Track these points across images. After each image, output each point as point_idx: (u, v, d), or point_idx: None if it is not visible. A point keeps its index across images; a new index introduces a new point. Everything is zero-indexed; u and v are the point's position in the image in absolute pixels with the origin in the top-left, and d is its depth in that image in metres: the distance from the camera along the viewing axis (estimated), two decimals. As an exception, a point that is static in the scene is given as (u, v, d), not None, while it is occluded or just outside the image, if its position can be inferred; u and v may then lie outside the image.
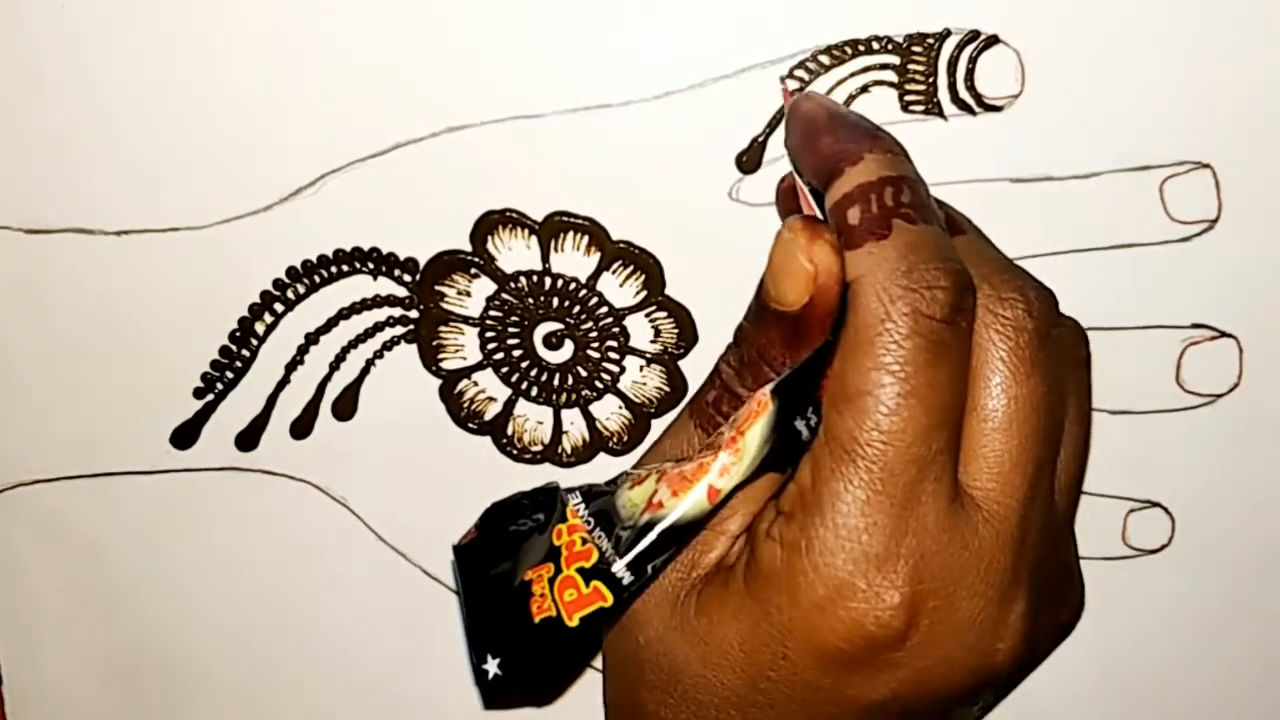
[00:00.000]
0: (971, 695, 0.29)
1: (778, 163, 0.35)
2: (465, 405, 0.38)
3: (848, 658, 0.28)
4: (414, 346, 0.38)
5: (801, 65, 0.34)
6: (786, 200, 0.33)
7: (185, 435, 0.39)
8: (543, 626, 0.28)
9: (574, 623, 0.27)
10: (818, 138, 0.30)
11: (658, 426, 0.38)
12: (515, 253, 0.36)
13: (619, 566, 0.28)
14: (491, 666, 0.28)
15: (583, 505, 0.29)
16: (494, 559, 0.30)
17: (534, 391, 0.38)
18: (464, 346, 0.38)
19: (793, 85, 0.34)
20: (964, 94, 0.34)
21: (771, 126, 0.35)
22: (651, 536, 0.28)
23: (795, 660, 0.28)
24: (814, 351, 0.28)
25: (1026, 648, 0.29)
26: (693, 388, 0.37)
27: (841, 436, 0.27)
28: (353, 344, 0.38)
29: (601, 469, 0.38)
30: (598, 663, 0.38)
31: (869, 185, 0.28)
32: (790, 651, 0.28)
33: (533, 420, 0.38)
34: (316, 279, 0.37)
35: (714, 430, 0.30)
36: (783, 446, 0.28)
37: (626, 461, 0.38)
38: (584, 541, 0.28)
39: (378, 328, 0.38)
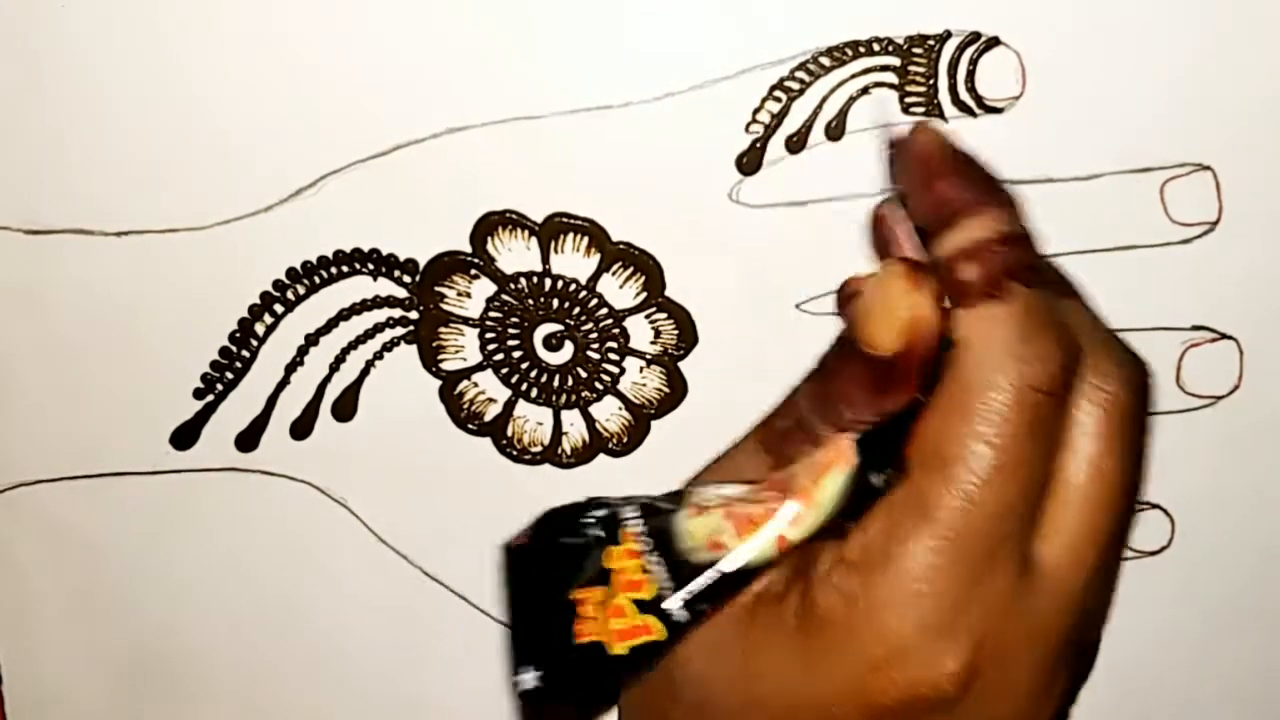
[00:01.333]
0: None
1: (778, 163, 0.35)
2: (465, 406, 0.38)
3: (897, 716, 0.27)
4: (414, 347, 0.38)
5: (802, 66, 0.34)
6: (878, 226, 0.32)
7: (185, 435, 0.39)
8: (585, 650, 0.27)
9: (621, 650, 0.27)
10: (934, 180, 0.28)
11: (657, 428, 0.38)
12: (515, 254, 0.36)
13: (674, 604, 0.27)
14: (529, 678, 0.28)
15: (641, 523, 0.28)
16: (543, 569, 0.29)
17: (534, 392, 0.38)
18: (464, 347, 0.38)
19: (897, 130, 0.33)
20: (965, 95, 0.34)
21: (771, 129, 0.35)
22: (711, 577, 0.27)
23: (839, 715, 0.27)
24: (904, 409, 0.27)
25: (1063, 707, 0.29)
26: (693, 388, 0.37)
27: (926, 499, 0.26)
28: (353, 345, 0.38)
29: (601, 470, 0.38)
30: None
31: (986, 243, 0.27)
32: (836, 705, 0.27)
33: (532, 421, 0.38)
34: (316, 280, 0.37)
35: (782, 461, 0.29)
36: (856, 498, 0.27)
37: (626, 462, 0.38)
38: (641, 570, 0.27)
39: (378, 329, 0.38)
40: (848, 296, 0.32)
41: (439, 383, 0.38)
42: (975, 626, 0.27)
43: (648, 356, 0.37)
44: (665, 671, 0.29)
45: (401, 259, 0.37)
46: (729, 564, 0.27)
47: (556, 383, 0.38)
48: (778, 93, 0.34)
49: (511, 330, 0.37)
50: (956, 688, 0.27)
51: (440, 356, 0.38)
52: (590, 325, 0.37)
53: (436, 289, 0.37)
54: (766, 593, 0.29)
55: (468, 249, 0.36)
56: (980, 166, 0.29)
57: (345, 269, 0.37)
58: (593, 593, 0.28)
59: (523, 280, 0.37)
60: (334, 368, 0.38)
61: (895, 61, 0.34)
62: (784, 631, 0.28)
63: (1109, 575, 0.29)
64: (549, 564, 0.29)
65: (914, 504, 0.27)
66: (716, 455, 0.31)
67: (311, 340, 0.38)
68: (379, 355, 0.38)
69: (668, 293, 0.37)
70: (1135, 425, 0.28)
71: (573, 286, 0.37)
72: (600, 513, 0.29)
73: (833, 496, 0.27)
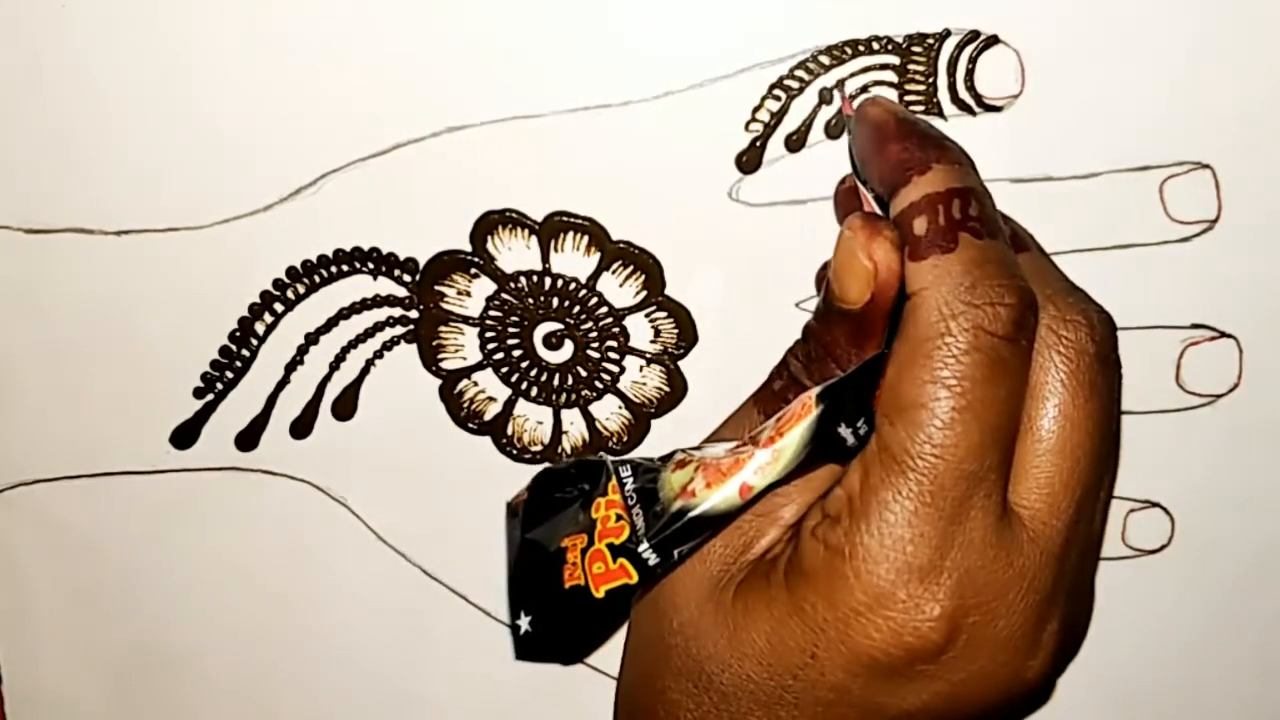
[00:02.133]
0: (999, 711, 0.29)
1: (778, 163, 0.35)
2: (465, 405, 0.38)
3: (881, 666, 0.28)
4: (414, 346, 0.38)
5: (801, 65, 0.34)
6: (846, 202, 0.33)
7: (185, 435, 0.39)
8: (571, 594, 0.29)
9: (599, 594, 0.28)
10: (885, 144, 0.30)
11: (658, 427, 0.38)
12: (515, 253, 0.36)
13: (645, 547, 0.28)
14: (524, 623, 0.30)
15: (630, 479, 0.30)
16: (537, 522, 0.31)
17: (534, 391, 0.38)
18: (464, 346, 0.38)
19: (851, 89, 0.34)
20: (964, 94, 0.34)
21: (771, 127, 0.35)
22: (679, 524, 0.28)
23: (824, 662, 0.28)
24: (866, 361, 0.28)
25: (1055, 664, 0.29)
26: (693, 388, 0.37)
27: (893, 447, 0.27)
28: (352, 344, 0.38)
29: (601, 469, 0.38)
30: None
31: (936, 196, 0.28)
32: (820, 653, 0.28)
33: (532, 420, 0.38)
34: (316, 279, 0.37)
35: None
36: (824, 451, 0.28)
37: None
38: (618, 518, 0.29)
39: (378, 328, 0.38)
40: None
41: (439, 382, 0.38)
42: (955, 571, 0.27)
43: (648, 355, 0.37)
44: (660, 641, 0.30)
45: (401, 258, 0.37)
46: (695, 510, 0.28)
47: (556, 382, 0.38)
48: (777, 91, 0.34)
49: (511, 329, 0.37)
50: (941, 635, 0.27)
51: (440, 355, 0.38)
52: (590, 324, 0.37)
53: (436, 288, 0.37)
54: (767, 555, 0.30)
55: (467, 248, 0.36)
56: (929, 128, 0.30)
57: (345, 268, 0.37)
58: (578, 539, 0.29)
59: (523, 279, 0.37)
60: (334, 367, 0.38)
61: (894, 60, 0.34)
62: (775, 587, 0.29)
63: (1090, 524, 0.30)
64: (541, 517, 0.31)
65: (883, 453, 0.27)
66: (716, 427, 0.32)
67: (311, 339, 0.38)
68: (379, 354, 0.38)
69: (668, 291, 0.37)
70: (1101, 372, 0.29)
71: (573, 285, 0.37)
72: (590, 470, 0.31)
73: (794, 446, 0.28)
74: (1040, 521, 0.28)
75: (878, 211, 0.30)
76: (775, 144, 0.35)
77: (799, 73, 0.34)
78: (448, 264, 0.37)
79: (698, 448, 0.30)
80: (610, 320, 0.37)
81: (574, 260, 0.36)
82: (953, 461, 0.27)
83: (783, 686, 0.28)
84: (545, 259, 0.36)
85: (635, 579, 0.28)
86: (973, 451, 0.27)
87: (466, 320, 0.37)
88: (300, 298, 0.37)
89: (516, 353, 0.38)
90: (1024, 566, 0.28)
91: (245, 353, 0.38)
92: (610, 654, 0.39)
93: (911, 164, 0.29)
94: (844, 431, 0.28)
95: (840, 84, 0.34)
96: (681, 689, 0.30)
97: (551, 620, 0.29)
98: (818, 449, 0.28)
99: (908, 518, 0.27)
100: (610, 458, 0.31)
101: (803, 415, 0.28)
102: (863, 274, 0.28)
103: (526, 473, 0.38)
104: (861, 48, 0.34)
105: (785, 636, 0.28)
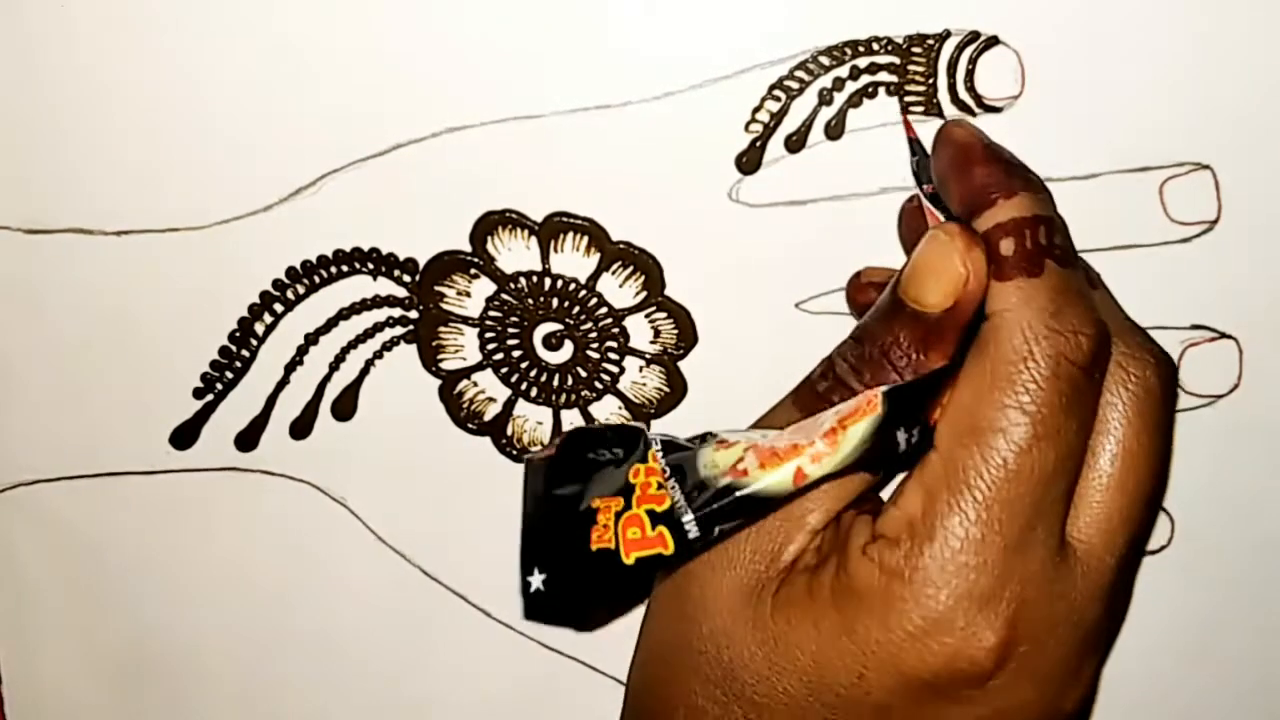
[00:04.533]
0: None
1: (778, 163, 0.35)
2: (465, 406, 0.38)
3: (928, 689, 0.27)
4: (414, 347, 0.38)
5: (802, 66, 0.34)
6: (913, 219, 0.33)
7: (185, 435, 0.39)
8: (598, 556, 0.28)
9: (629, 560, 0.28)
10: (970, 167, 0.29)
11: (658, 427, 0.38)
12: (515, 253, 0.36)
13: (689, 518, 0.28)
14: (536, 580, 0.28)
15: (662, 454, 0.29)
16: (565, 479, 0.29)
17: (533, 392, 0.38)
18: (464, 347, 0.38)
19: (914, 117, 0.34)
20: (964, 95, 0.34)
21: (771, 128, 0.35)
22: (727, 500, 0.28)
23: (871, 683, 0.28)
24: (935, 371, 0.28)
25: (1092, 694, 0.29)
26: (693, 388, 0.37)
27: (965, 470, 0.27)
28: (352, 344, 0.38)
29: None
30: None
31: (1024, 221, 0.28)
32: (868, 674, 0.28)
33: (532, 421, 0.38)
34: (316, 279, 0.37)
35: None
36: (879, 451, 0.28)
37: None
38: (659, 486, 0.28)
39: (377, 328, 0.38)
40: (861, 286, 0.34)
41: (439, 382, 0.38)
42: (1014, 602, 0.27)
43: (647, 356, 0.37)
44: (688, 646, 0.30)
45: (401, 258, 0.37)
46: (747, 489, 0.28)
47: (556, 382, 0.38)
48: (777, 92, 0.34)
49: (511, 330, 0.37)
50: (994, 662, 0.27)
51: (440, 356, 0.38)
52: (590, 325, 0.37)
53: (436, 288, 0.37)
54: (800, 562, 0.29)
55: (467, 248, 0.36)
56: (1012, 156, 0.30)
57: (345, 268, 0.37)
58: (613, 502, 0.28)
59: (522, 280, 0.37)
60: (334, 367, 0.38)
61: (895, 61, 0.34)
62: (821, 603, 0.28)
63: (1134, 563, 0.30)
64: (571, 475, 0.29)
65: (952, 475, 0.27)
66: (752, 424, 0.32)
67: (311, 340, 0.38)
68: (379, 355, 0.38)
69: (667, 292, 0.37)
70: (1163, 411, 0.29)
71: (572, 286, 0.37)
72: (626, 434, 0.30)
73: (855, 441, 0.27)
74: (1095, 557, 0.28)
75: (937, 213, 0.30)
76: (775, 145, 0.35)
77: (799, 73, 0.34)
78: (448, 264, 0.37)
79: (739, 432, 0.30)
80: (610, 321, 0.37)
81: (574, 261, 0.36)
82: (1023, 489, 0.27)
83: (822, 703, 0.28)
84: (545, 259, 0.36)
85: (671, 549, 0.28)
86: (1043, 480, 0.27)
87: (466, 321, 0.37)
88: (300, 298, 0.37)
89: (516, 353, 0.38)
90: (1076, 601, 0.28)
91: (245, 353, 0.38)
92: (610, 653, 0.39)
93: (997, 188, 0.29)
94: (900, 436, 0.28)
95: (904, 109, 0.34)
96: (709, 696, 0.29)
97: (571, 580, 0.28)
98: (874, 448, 0.28)
99: (974, 545, 0.27)
100: (645, 428, 0.30)
101: (868, 411, 0.27)
102: (954, 279, 0.28)
103: (526, 473, 0.39)
104: (861, 48, 0.34)
105: (832, 656, 0.28)
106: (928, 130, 0.35)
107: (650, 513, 0.28)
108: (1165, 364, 0.29)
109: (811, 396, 0.30)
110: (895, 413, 0.28)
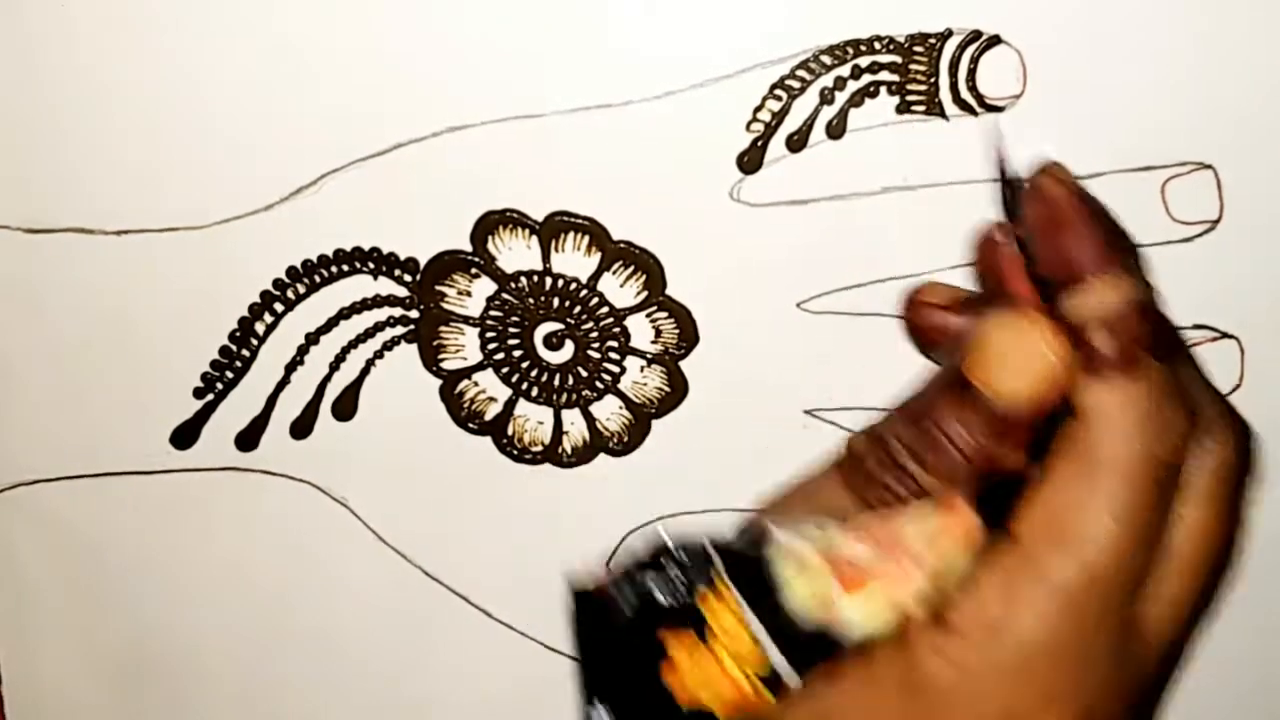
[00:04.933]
0: None
1: (779, 163, 0.35)
2: (465, 405, 0.38)
3: None
4: (414, 346, 0.38)
5: (803, 65, 0.34)
6: (988, 255, 0.30)
7: (185, 435, 0.39)
8: (669, 692, 0.27)
9: (721, 716, 0.27)
10: (1062, 230, 0.28)
11: (658, 427, 0.38)
12: (515, 253, 0.36)
13: (792, 676, 0.27)
14: (600, 713, 0.27)
15: (725, 570, 0.27)
16: (624, 608, 0.28)
17: (534, 392, 0.38)
18: (464, 346, 0.38)
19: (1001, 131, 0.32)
20: (965, 94, 0.34)
21: (772, 127, 0.35)
22: (821, 646, 0.27)
23: None
24: (1020, 472, 0.27)
25: None
26: (693, 388, 0.37)
27: (1045, 569, 0.26)
28: (353, 344, 0.38)
29: (601, 470, 0.38)
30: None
31: (1118, 310, 0.27)
32: None
33: (533, 420, 0.38)
34: (316, 279, 0.37)
35: (869, 501, 0.28)
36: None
37: (626, 462, 0.38)
38: (744, 629, 0.27)
39: (378, 328, 0.37)
40: (918, 307, 0.31)
41: (439, 382, 0.38)
42: (1085, 693, 0.27)
43: (648, 355, 0.37)
44: None
45: (402, 258, 0.37)
46: (850, 634, 0.27)
47: (557, 382, 0.38)
48: (778, 91, 0.34)
49: (512, 329, 0.37)
50: None
51: (440, 356, 0.38)
52: (591, 324, 0.37)
53: (437, 288, 0.37)
54: (858, 655, 0.28)
55: (468, 248, 0.36)
56: (1109, 217, 0.28)
57: (345, 268, 0.37)
58: (684, 636, 0.27)
59: (523, 279, 0.37)
60: (334, 367, 0.38)
61: (896, 60, 0.34)
62: (885, 695, 0.27)
63: (1194, 639, 0.29)
64: (630, 603, 0.28)
65: (1031, 573, 0.26)
66: (790, 486, 0.30)
67: (312, 339, 0.38)
68: (379, 354, 0.38)
69: (668, 292, 0.36)
70: (1240, 487, 0.28)
71: (573, 285, 0.37)
72: (689, 552, 0.28)
73: (955, 569, 0.27)
74: (1158, 636, 0.28)
75: (1029, 283, 0.28)
76: (776, 144, 0.35)
77: (800, 72, 0.34)
78: (448, 264, 0.37)
79: (797, 526, 0.28)
80: (611, 320, 0.37)
81: (574, 260, 0.36)
82: (1105, 587, 0.26)
83: None
84: (546, 259, 0.36)
85: (771, 702, 0.27)
86: (1125, 577, 0.26)
87: (467, 320, 0.37)
88: (300, 298, 0.37)
89: (517, 353, 0.37)
90: (1140, 675, 0.27)
91: (245, 353, 0.38)
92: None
93: (1090, 264, 0.27)
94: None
95: (998, 138, 0.31)
96: None
97: (639, 714, 0.27)
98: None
99: (1055, 647, 0.26)
100: (708, 538, 0.28)
101: (962, 537, 0.27)
102: (1037, 376, 0.26)
103: (527, 473, 0.38)
104: (863, 47, 0.34)
105: None
106: (928, 129, 0.35)
107: (743, 669, 0.27)
108: (1244, 437, 0.28)
109: (860, 475, 0.28)
110: (985, 523, 0.27)
